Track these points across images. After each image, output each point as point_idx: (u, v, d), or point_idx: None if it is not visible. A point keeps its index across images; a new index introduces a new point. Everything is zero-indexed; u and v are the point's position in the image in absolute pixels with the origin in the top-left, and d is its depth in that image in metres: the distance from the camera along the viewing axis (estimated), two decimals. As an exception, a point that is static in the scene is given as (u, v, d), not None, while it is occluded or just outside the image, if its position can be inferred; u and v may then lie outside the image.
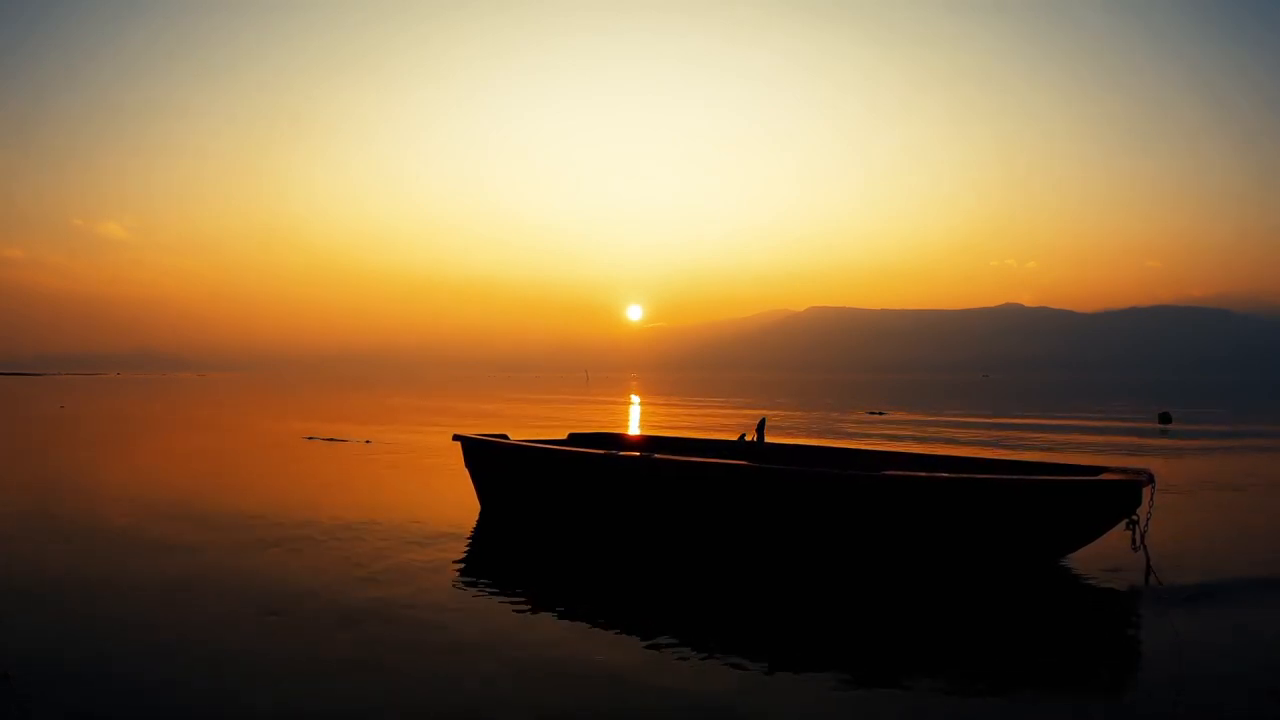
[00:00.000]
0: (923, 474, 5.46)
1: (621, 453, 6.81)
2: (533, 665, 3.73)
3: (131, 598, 4.77)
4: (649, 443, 8.37)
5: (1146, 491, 5.23)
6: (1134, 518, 5.21)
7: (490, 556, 6.13)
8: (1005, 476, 5.50)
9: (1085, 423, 22.59)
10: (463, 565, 5.68)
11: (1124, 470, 5.54)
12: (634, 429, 19.83)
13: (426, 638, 4.08)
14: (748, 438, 7.87)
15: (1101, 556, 5.61)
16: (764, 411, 25.89)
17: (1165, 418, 21.96)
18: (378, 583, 5.10)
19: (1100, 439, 16.93)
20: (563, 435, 8.54)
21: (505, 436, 7.95)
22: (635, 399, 41.71)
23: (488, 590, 5.04)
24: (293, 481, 9.86)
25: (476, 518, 7.29)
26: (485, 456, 7.60)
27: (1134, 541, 5.18)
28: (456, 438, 7.89)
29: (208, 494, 8.84)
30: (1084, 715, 3.26)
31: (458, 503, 7.97)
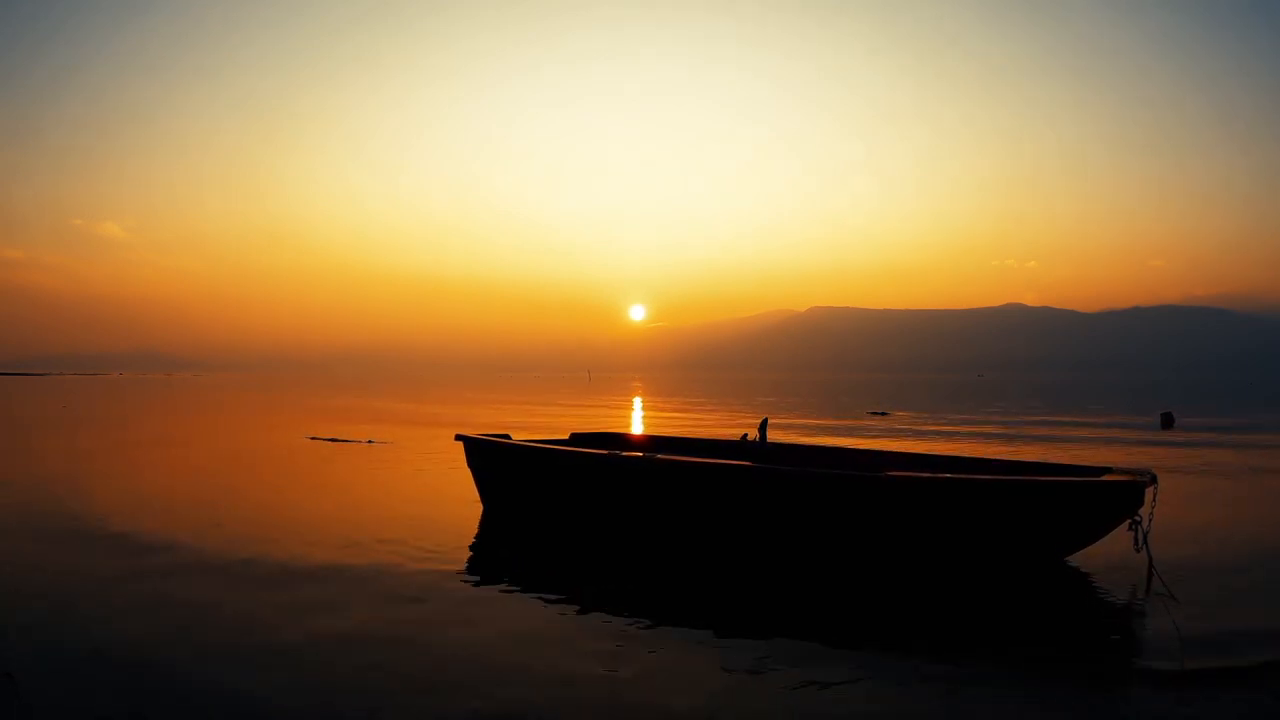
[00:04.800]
0: (926, 474, 5.46)
1: (623, 453, 6.82)
2: (533, 664, 3.73)
3: (133, 598, 4.77)
4: (651, 442, 8.37)
5: (1149, 492, 5.23)
6: (1136, 518, 5.21)
7: (493, 556, 6.14)
8: (1008, 477, 5.50)
9: (1087, 423, 22.56)
10: (466, 565, 5.68)
11: (1127, 471, 5.54)
12: (636, 429, 19.82)
13: (428, 637, 4.09)
14: (750, 437, 7.88)
15: (1104, 557, 5.61)
16: (766, 412, 25.89)
17: (1168, 418, 21.94)
18: (380, 581, 5.11)
19: (1103, 439, 16.91)
20: (564, 436, 8.54)
21: (507, 436, 7.96)
22: (638, 400, 41.70)
23: (490, 590, 5.04)
24: (294, 482, 9.87)
25: (479, 517, 7.30)
26: (487, 457, 7.61)
27: (1136, 542, 5.19)
28: (459, 438, 7.90)
29: (209, 494, 8.85)
30: (1086, 715, 3.26)
31: (460, 502, 7.98)
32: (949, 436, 17.45)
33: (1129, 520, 5.22)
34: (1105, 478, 5.29)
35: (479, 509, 7.62)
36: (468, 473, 7.95)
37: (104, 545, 6.16)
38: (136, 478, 10.25)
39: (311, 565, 5.54)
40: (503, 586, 5.12)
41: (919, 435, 17.86)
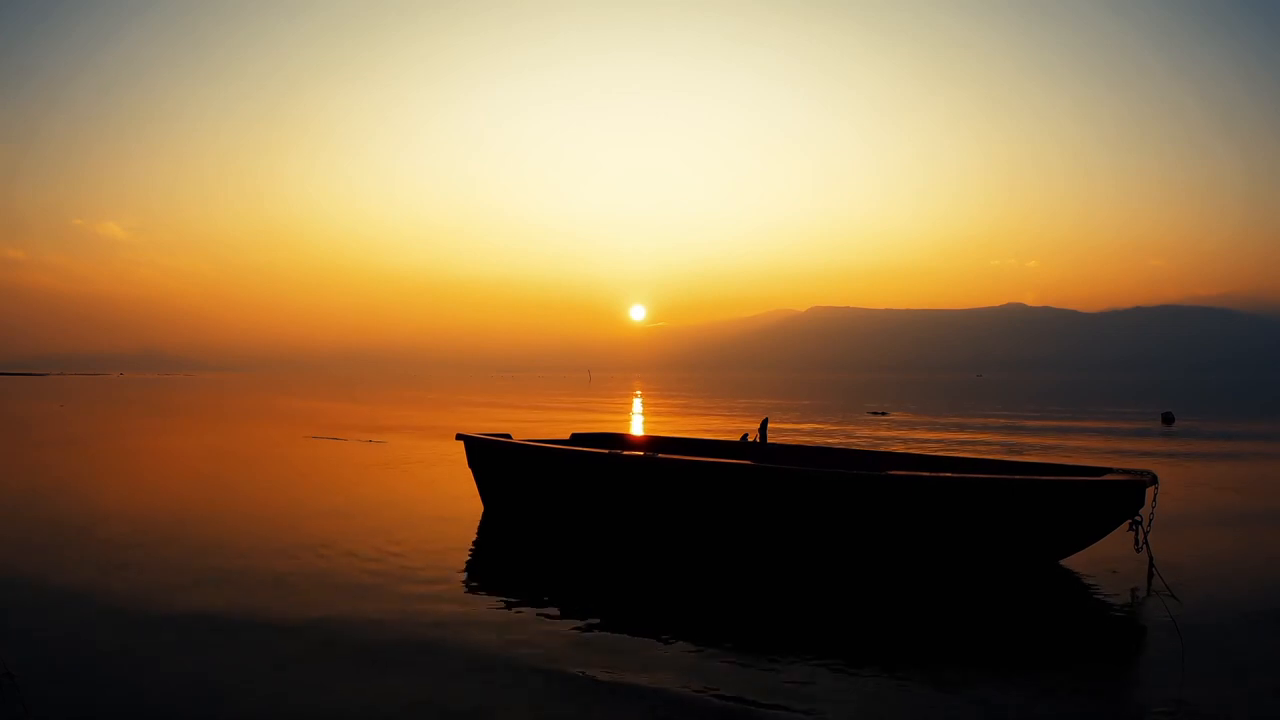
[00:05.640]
0: (926, 474, 5.46)
1: (624, 453, 6.82)
2: (534, 664, 3.73)
3: (133, 598, 4.77)
4: (651, 443, 8.38)
5: (1149, 492, 5.23)
6: (1137, 519, 5.21)
7: (493, 556, 6.14)
8: (1008, 476, 5.50)
9: (1088, 423, 22.56)
10: (466, 564, 5.69)
11: (1127, 471, 5.54)
12: (637, 430, 19.83)
13: (429, 637, 4.09)
14: (750, 438, 7.87)
15: (1104, 557, 5.61)
16: (766, 412, 25.90)
17: (1168, 418, 21.96)
18: (381, 580, 5.11)
19: (1103, 440, 16.92)
20: (565, 436, 8.54)
21: (508, 436, 7.96)
22: (638, 400, 41.70)
23: (491, 589, 5.04)
24: (296, 481, 9.87)
25: (479, 517, 7.30)
26: (488, 456, 7.61)
27: (1137, 542, 5.19)
28: (460, 437, 7.90)
29: (211, 494, 8.85)
30: (1086, 716, 3.26)
31: (460, 501, 7.98)
32: (948, 440, 17.44)
33: (1129, 521, 5.22)
34: (1106, 478, 5.29)
35: (479, 508, 7.62)
36: (468, 472, 7.95)
37: (105, 546, 6.16)
38: (137, 478, 10.26)
39: (312, 567, 5.54)
40: (502, 588, 5.13)
41: (918, 436, 17.86)
